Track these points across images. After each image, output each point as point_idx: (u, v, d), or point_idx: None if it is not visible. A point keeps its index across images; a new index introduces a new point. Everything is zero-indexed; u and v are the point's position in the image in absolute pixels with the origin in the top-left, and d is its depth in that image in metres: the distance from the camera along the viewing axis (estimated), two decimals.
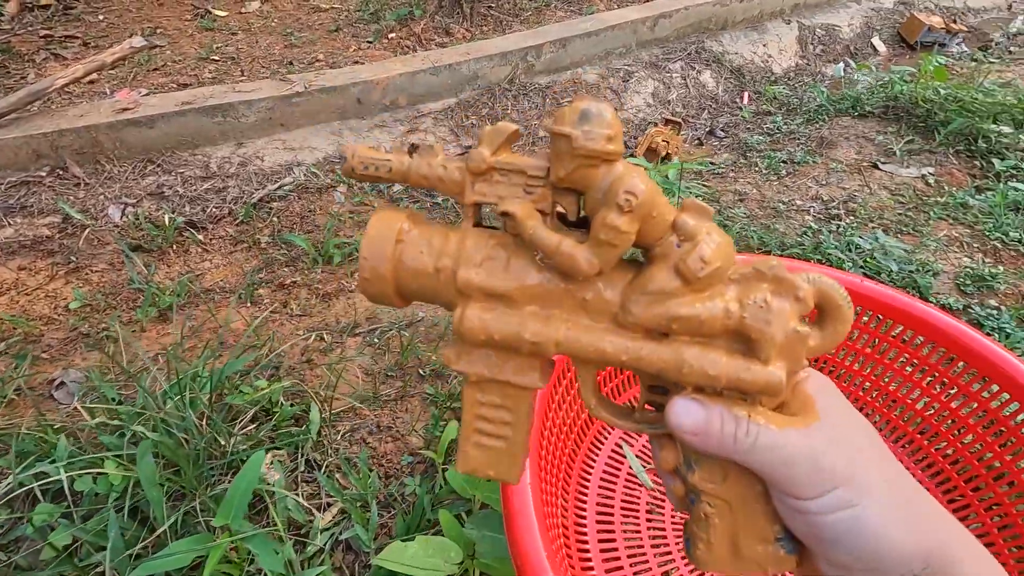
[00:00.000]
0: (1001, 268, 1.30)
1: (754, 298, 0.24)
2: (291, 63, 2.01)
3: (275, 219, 1.50)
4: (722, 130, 2.06)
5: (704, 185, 1.69)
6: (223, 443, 0.75)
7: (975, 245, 1.39)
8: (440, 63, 1.85)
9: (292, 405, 0.94)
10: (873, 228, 1.45)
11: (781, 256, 1.32)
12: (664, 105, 2.16)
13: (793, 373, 0.25)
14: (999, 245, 1.38)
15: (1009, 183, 1.57)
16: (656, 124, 1.98)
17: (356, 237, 1.42)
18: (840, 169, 1.71)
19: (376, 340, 1.11)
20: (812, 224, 1.47)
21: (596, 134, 0.23)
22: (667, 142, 1.84)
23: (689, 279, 0.24)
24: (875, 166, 1.72)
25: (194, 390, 0.83)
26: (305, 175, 1.64)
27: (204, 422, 0.80)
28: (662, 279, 0.24)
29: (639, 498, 0.83)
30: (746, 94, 2.28)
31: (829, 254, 1.32)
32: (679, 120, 1.96)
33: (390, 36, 2.17)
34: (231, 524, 0.68)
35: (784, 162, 1.78)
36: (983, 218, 1.45)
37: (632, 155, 1.86)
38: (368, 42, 2.17)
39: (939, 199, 1.55)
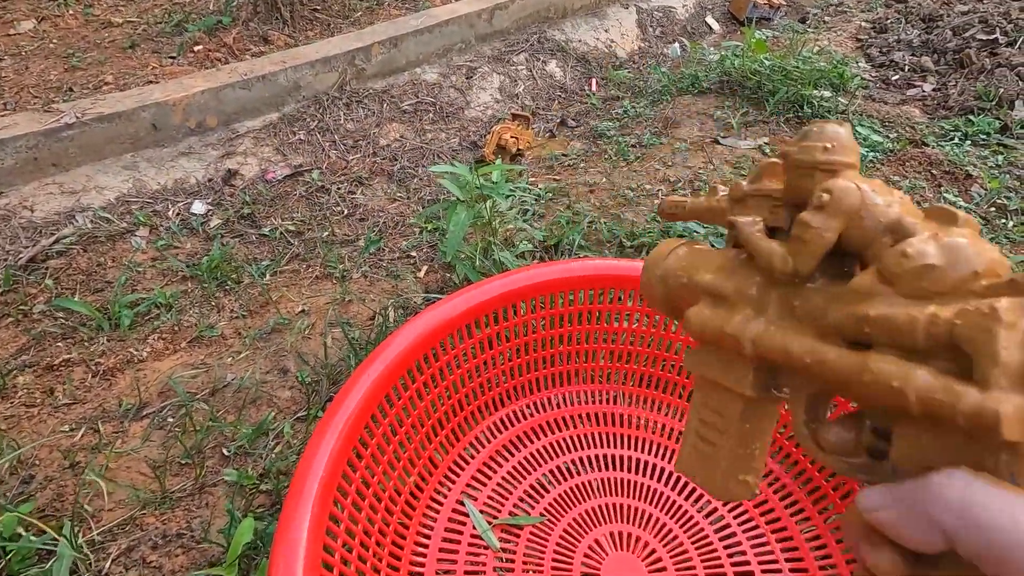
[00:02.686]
0: None
1: (980, 304, 0.19)
2: (71, 89, 1.69)
3: (51, 281, 1.22)
4: (573, 119, 2.02)
5: (555, 179, 1.62)
6: None
7: None
8: (252, 75, 1.63)
9: (40, 534, 0.72)
10: None
11: (631, 246, 1.27)
12: (512, 99, 2.08)
13: None
14: None
15: None
16: (503, 120, 1.89)
17: (157, 290, 1.19)
18: (685, 148, 1.71)
19: (169, 420, 0.91)
20: None
21: (809, 147, 0.25)
22: (516, 138, 1.75)
23: (887, 277, 0.22)
24: (716, 142, 1.74)
25: None
26: (92, 222, 1.37)
27: None
28: (864, 280, 0.23)
29: (485, 563, 0.71)
30: (594, 81, 2.26)
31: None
32: (527, 114, 1.88)
33: (196, 49, 1.90)
34: None
35: (633, 146, 1.75)
36: None
37: (482, 157, 1.76)
38: (171, 58, 1.89)
39: None
